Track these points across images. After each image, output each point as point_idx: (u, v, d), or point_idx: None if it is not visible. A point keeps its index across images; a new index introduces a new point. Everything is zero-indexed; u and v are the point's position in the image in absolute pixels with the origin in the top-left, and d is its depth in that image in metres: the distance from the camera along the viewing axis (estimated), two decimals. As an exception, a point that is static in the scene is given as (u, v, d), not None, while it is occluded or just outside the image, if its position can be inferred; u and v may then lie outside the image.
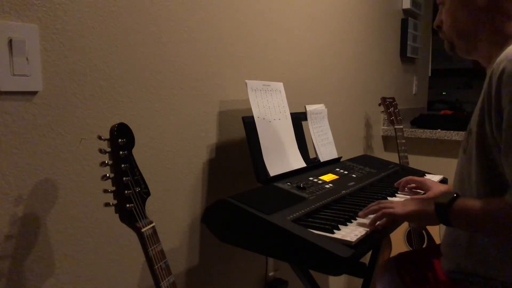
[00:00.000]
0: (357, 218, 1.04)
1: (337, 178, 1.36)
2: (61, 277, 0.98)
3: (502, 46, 0.97)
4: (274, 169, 1.27)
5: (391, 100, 2.23)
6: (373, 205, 1.05)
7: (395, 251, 2.06)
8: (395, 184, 1.37)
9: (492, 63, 0.98)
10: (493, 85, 0.88)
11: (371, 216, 1.02)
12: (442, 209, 0.93)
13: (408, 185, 1.35)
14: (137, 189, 0.85)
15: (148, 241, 0.84)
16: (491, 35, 1.00)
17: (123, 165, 0.82)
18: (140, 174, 0.86)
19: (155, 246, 0.85)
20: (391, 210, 1.00)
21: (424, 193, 1.31)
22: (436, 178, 1.54)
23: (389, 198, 1.25)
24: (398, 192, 1.33)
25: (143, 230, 0.84)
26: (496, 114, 0.89)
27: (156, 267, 0.84)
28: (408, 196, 1.28)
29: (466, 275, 1.03)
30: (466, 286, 1.03)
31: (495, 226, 0.90)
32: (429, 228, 2.18)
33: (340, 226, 0.97)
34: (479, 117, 0.95)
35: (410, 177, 1.36)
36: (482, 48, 1.03)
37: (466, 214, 0.92)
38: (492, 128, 0.91)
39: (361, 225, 1.00)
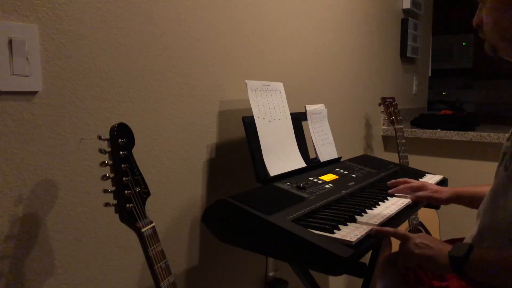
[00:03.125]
0: (357, 218, 1.04)
1: (337, 178, 1.36)
2: (61, 277, 0.98)
3: None
4: (274, 169, 1.27)
5: (391, 100, 2.23)
6: (387, 230, 1.00)
7: (395, 250, 2.06)
8: (388, 183, 1.34)
9: None
10: None
11: (376, 218, 1.01)
12: (458, 263, 0.87)
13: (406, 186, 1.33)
14: (137, 189, 0.85)
15: (148, 241, 0.84)
16: None
17: (123, 165, 0.82)
18: (140, 174, 0.86)
19: (155, 246, 0.85)
20: (401, 252, 0.98)
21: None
22: (436, 178, 1.54)
23: (389, 198, 1.25)
24: (396, 194, 1.31)
25: (143, 230, 0.84)
26: None
27: (156, 267, 0.84)
28: (407, 199, 1.27)
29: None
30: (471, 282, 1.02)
31: None
32: (428, 227, 2.18)
33: (340, 226, 0.97)
34: None
35: (407, 181, 1.32)
36: None
37: (483, 266, 0.86)
38: None
39: (362, 225, 1.00)
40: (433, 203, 1.30)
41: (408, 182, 1.32)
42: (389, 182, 1.35)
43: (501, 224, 0.94)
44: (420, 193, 1.26)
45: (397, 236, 1.00)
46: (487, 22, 0.95)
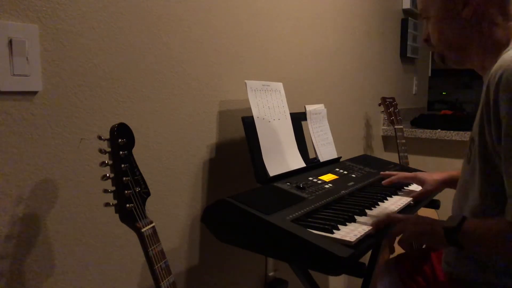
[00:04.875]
0: (356, 218, 1.04)
1: (337, 178, 1.36)
2: (61, 277, 0.98)
3: (494, 54, 0.96)
4: (273, 169, 1.27)
5: (391, 100, 2.23)
6: (382, 219, 1.01)
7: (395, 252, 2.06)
8: (383, 182, 1.36)
9: (486, 71, 0.95)
10: (491, 95, 0.86)
11: (376, 218, 1.02)
12: (452, 233, 0.89)
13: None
14: (137, 189, 0.85)
15: (148, 241, 0.84)
16: (481, 44, 0.98)
17: (123, 165, 0.82)
18: (140, 174, 0.86)
19: (155, 246, 0.85)
20: (400, 232, 0.99)
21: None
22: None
23: (388, 198, 1.25)
24: (398, 192, 1.33)
25: (143, 230, 0.84)
26: (496, 124, 0.86)
27: (156, 267, 0.84)
28: (408, 198, 1.27)
29: (468, 281, 1.02)
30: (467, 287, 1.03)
31: (505, 247, 0.85)
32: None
33: (339, 226, 0.97)
34: (479, 126, 0.92)
35: (400, 175, 1.35)
36: (474, 57, 1.01)
37: (476, 236, 0.88)
38: (492, 138, 0.88)
39: (361, 225, 1.00)
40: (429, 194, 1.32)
41: (404, 178, 1.35)
42: (383, 177, 1.39)
43: (468, 214, 0.99)
44: (417, 194, 1.29)
45: (391, 220, 1.00)
46: (433, 34, 1.05)
